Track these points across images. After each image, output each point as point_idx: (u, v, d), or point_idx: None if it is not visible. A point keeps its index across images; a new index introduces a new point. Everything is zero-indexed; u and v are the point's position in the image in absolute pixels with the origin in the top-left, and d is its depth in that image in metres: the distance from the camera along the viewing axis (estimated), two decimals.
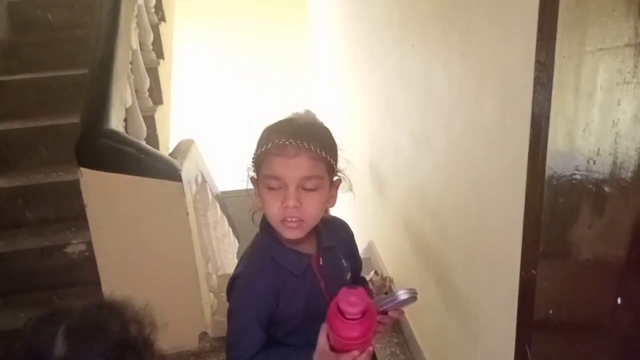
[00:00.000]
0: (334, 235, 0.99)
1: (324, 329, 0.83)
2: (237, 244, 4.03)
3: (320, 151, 0.86)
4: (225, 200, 3.65)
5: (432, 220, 1.72)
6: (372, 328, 0.80)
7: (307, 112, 0.94)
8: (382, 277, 2.38)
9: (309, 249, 0.95)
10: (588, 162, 0.71)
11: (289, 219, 0.86)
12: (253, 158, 0.90)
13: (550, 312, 0.84)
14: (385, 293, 2.37)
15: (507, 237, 1.03)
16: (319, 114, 0.94)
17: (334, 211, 1.09)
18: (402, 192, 2.08)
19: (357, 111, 2.99)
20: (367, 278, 2.41)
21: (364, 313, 0.78)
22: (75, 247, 2.23)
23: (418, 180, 1.81)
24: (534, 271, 0.89)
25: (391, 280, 2.37)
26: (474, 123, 1.26)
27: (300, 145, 0.84)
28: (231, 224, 3.78)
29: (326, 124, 0.94)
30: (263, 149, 0.86)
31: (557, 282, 0.83)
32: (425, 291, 1.82)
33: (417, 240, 1.91)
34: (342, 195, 0.96)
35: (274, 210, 0.87)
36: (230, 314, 0.95)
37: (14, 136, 2.59)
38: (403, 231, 2.05)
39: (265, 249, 0.93)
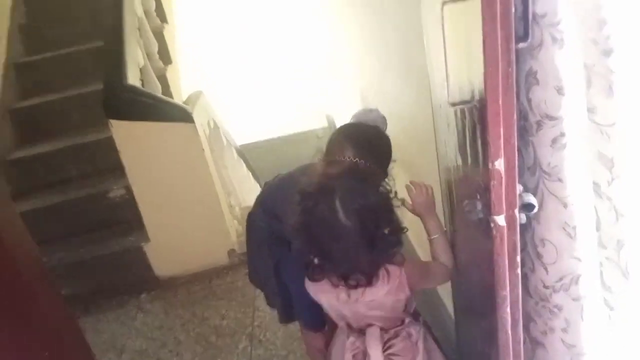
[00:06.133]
0: None
1: None
2: (258, 188, 4.40)
3: None
4: (245, 152, 4.03)
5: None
6: None
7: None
8: None
9: None
10: None
11: None
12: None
13: None
14: None
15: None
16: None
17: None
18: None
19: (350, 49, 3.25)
20: None
21: None
22: (116, 192, 2.64)
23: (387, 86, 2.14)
24: None
25: None
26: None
27: None
28: (250, 168, 4.15)
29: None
30: None
31: None
32: None
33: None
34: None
35: None
36: None
37: (49, 107, 2.97)
38: None
39: None
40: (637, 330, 0.91)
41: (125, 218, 2.63)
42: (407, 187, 1.17)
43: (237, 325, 2.17)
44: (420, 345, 1.14)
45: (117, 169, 2.46)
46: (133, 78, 2.36)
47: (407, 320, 1.15)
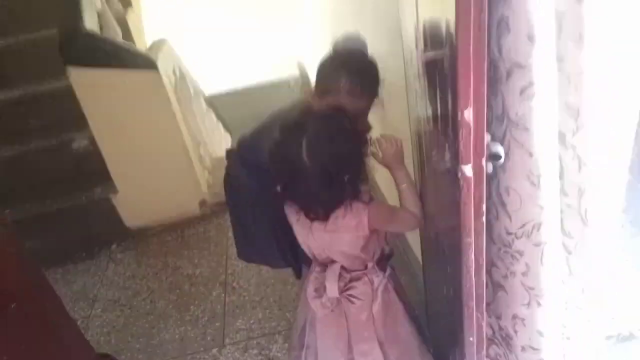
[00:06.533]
0: None
1: None
2: (229, 138, 4.33)
3: None
4: (214, 101, 3.91)
5: None
6: None
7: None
8: None
9: None
10: None
11: None
12: None
13: None
14: None
15: None
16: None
17: None
18: None
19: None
20: None
21: None
22: (79, 143, 2.54)
23: None
24: None
25: None
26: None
27: None
28: (220, 118, 4.06)
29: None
30: None
31: None
32: None
33: None
34: None
35: None
36: None
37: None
38: None
39: None
40: (592, 273, 0.96)
41: (91, 169, 2.55)
42: (378, 140, 1.17)
43: (211, 274, 2.19)
44: (379, 293, 1.18)
45: (79, 119, 2.36)
46: (91, 20, 2.22)
47: (369, 265, 1.19)
